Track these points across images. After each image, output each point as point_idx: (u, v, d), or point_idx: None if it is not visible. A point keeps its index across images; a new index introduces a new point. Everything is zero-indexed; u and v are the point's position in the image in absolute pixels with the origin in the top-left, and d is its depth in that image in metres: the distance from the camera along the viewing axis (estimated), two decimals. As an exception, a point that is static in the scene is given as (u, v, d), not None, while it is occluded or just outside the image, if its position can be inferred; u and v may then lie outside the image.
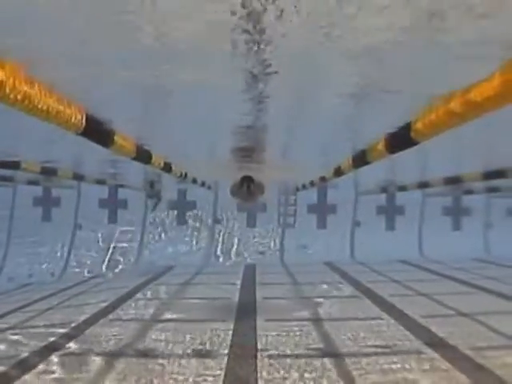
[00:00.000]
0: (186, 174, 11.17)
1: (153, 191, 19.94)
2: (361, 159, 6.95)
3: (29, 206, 20.87)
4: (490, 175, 10.89)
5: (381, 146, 5.67)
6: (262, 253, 21.34)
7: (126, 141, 5.28)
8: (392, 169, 13.00)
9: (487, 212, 21.96)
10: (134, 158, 6.12)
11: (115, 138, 4.82)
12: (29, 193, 20.39)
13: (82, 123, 3.81)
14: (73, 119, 3.66)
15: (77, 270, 20.07)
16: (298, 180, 15.89)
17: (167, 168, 8.53)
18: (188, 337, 9.42)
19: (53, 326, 10.48)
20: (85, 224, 21.02)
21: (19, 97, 3.05)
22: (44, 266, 19.99)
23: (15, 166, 10.12)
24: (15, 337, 9.66)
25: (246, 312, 11.48)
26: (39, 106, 3.28)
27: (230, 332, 9.65)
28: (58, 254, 20.52)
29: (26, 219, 20.44)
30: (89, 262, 20.40)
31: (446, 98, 3.65)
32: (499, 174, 10.62)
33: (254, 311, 11.51)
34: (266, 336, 9.39)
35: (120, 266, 20.24)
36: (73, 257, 20.60)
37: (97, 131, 4.29)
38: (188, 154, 9.66)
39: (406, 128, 4.50)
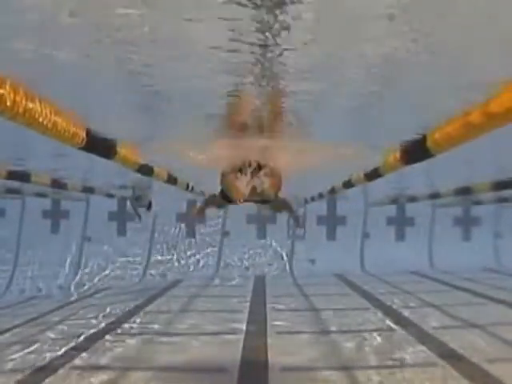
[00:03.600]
0: (192, 187, 11.10)
1: (139, 201, 17.19)
2: (374, 172, 6.89)
3: (38, 218, 20.86)
4: (500, 185, 10.80)
5: (395, 158, 5.61)
6: (271, 264, 21.28)
7: (129, 154, 5.24)
8: (401, 179, 12.92)
9: (497, 222, 21.84)
10: (138, 170, 6.09)
11: (118, 150, 4.77)
12: (38, 205, 20.39)
13: (83, 138, 3.78)
14: (74, 134, 3.62)
15: (85, 282, 20.03)
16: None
17: (172, 180, 8.49)
18: (198, 351, 9.41)
19: (61, 339, 10.47)
20: (94, 236, 20.99)
21: (20, 110, 3.02)
22: (53, 279, 19.94)
23: (25, 178, 10.09)
24: (24, 349, 9.67)
25: (257, 322, 11.46)
26: (40, 120, 3.24)
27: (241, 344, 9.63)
28: (67, 267, 20.48)
29: (35, 231, 20.41)
30: (97, 275, 20.37)
31: (464, 110, 3.58)
32: (509, 184, 10.52)
33: (265, 322, 11.48)
34: (277, 348, 9.35)
35: (129, 279, 20.18)
36: (81, 269, 20.56)
37: (98, 145, 4.25)
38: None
39: (423, 140, 4.42)
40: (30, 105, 3.11)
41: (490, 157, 9.47)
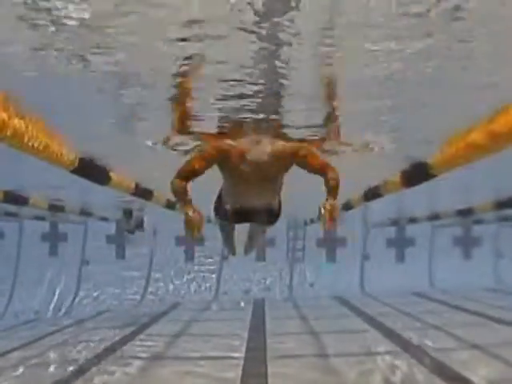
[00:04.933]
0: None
1: (131, 223, 16.97)
2: (373, 193, 6.86)
3: (36, 241, 20.79)
4: (501, 205, 10.77)
5: (396, 180, 5.57)
6: (270, 287, 21.19)
7: (123, 178, 5.19)
8: (401, 201, 12.88)
9: (497, 241, 21.76)
10: (133, 194, 6.03)
11: (111, 175, 4.72)
12: (36, 228, 20.34)
13: (75, 160, 3.72)
14: (65, 156, 3.57)
15: (84, 305, 19.93)
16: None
17: (170, 205, 8.43)
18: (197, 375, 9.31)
19: (59, 362, 10.36)
20: (92, 259, 20.93)
21: (9, 133, 2.96)
22: (51, 301, 19.85)
23: (23, 201, 10.06)
24: (21, 373, 9.57)
25: (256, 346, 11.36)
26: (29, 143, 3.19)
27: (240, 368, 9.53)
28: (66, 290, 20.40)
29: (33, 254, 20.33)
30: (95, 298, 20.29)
31: (466, 130, 3.52)
32: (511, 203, 10.50)
33: (265, 346, 11.37)
34: (277, 372, 9.24)
35: (127, 302, 20.08)
36: (80, 292, 20.49)
37: (91, 169, 4.19)
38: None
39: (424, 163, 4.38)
40: (20, 126, 3.06)
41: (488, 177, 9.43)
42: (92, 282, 20.64)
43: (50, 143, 3.44)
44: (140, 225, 17.57)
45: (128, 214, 16.26)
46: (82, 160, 3.81)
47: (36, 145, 3.26)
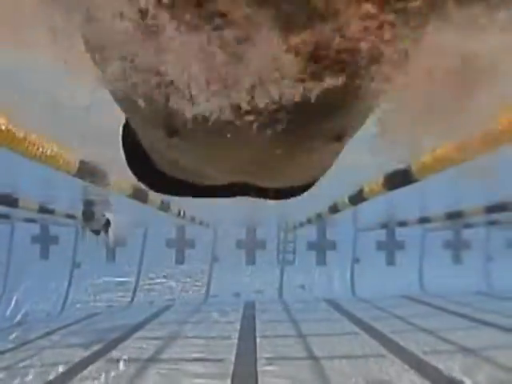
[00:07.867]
0: (184, 212, 11.07)
1: (91, 219, 14.00)
2: (358, 196, 6.88)
3: (27, 243, 20.71)
4: (491, 209, 10.81)
5: (379, 183, 5.59)
6: (261, 290, 21.11)
7: (122, 180, 5.22)
8: (391, 204, 12.89)
9: (487, 245, 21.80)
10: (130, 196, 6.06)
11: (111, 178, 4.75)
12: (27, 230, 20.27)
13: (75, 164, 3.73)
14: (66, 160, 3.58)
15: (75, 308, 19.84)
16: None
17: (165, 207, 8.45)
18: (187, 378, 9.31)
19: (49, 365, 10.34)
20: (83, 262, 20.83)
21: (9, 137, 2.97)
22: (42, 304, 19.74)
23: (13, 203, 10.06)
24: (9, 376, 9.55)
25: (246, 348, 11.36)
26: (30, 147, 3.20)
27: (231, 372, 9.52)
28: (56, 292, 20.29)
29: (24, 257, 20.24)
30: (86, 301, 20.20)
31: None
32: (501, 207, 10.54)
33: (255, 349, 11.37)
34: (267, 376, 9.26)
35: (117, 305, 20.00)
36: (71, 295, 20.39)
37: (91, 172, 4.20)
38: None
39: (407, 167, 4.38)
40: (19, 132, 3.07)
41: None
42: (83, 284, 20.56)
43: (49, 147, 3.44)
44: (106, 224, 16.48)
45: (89, 213, 15.00)
46: (82, 163, 3.82)
47: (35, 149, 3.26)
